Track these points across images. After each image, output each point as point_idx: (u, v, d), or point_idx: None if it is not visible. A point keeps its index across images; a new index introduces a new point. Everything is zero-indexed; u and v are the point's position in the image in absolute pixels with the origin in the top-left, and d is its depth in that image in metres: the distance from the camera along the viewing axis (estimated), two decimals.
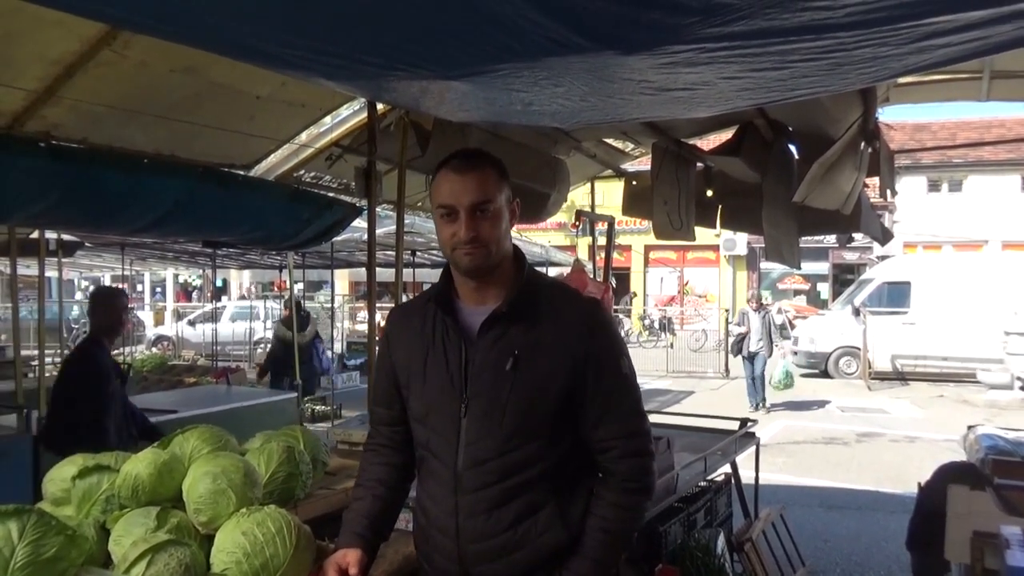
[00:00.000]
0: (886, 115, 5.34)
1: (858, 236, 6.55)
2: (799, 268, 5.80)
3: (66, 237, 8.42)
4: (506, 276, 1.81)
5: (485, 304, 1.79)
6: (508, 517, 1.72)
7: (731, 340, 12.20)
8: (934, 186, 24.55)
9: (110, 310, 4.35)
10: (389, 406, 1.92)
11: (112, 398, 4.14)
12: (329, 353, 12.32)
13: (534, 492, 1.73)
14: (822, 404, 12.28)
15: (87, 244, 9.56)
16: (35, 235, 6.82)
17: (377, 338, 5.35)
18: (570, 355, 1.73)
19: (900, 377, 15.62)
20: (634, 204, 5.87)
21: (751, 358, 11.72)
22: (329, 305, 17.47)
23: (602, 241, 6.88)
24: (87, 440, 3.26)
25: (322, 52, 1.99)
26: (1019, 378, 12.49)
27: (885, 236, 6.51)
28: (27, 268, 8.54)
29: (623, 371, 1.80)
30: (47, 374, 6.58)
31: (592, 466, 1.81)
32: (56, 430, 4.14)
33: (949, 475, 3.81)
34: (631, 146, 6.12)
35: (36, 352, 7.94)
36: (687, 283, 28.09)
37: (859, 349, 15.52)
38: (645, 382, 15.31)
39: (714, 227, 5.99)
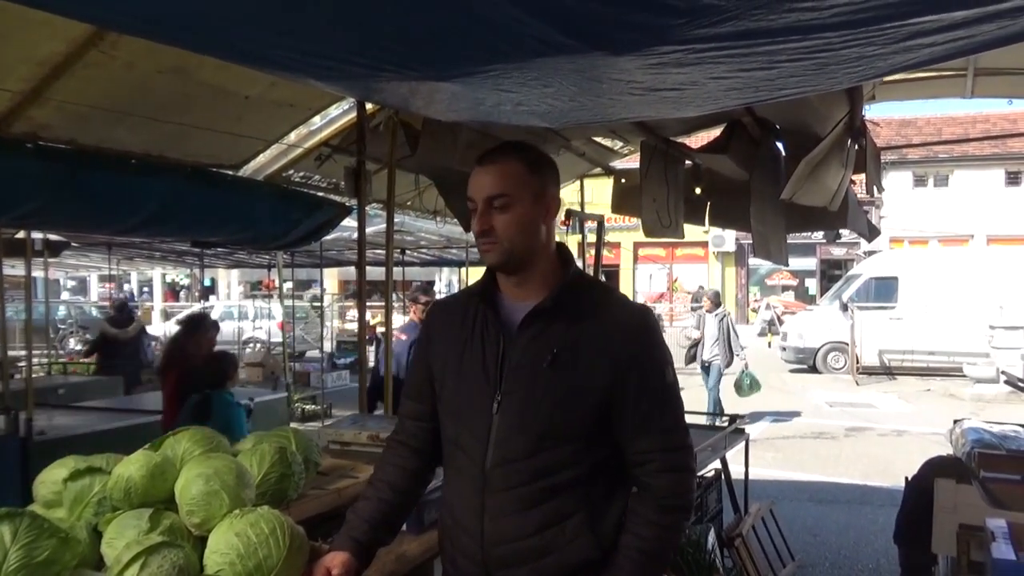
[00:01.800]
0: (872, 112, 5.39)
1: (845, 232, 6.60)
2: (787, 264, 5.83)
3: (52, 237, 8.38)
4: (549, 273, 1.74)
5: (528, 300, 1.72)
6: (534, 522, 1.64)
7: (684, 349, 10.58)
8: (920, 181, 24.74)
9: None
10: (419, 400, 1.87)
11: None
12: (155, 344, 12.13)
13: (563, 498, 1.65)
14: (791, 415, 11.44)
15: (73, 244, 9.51)
16: (21, 235, 6.78)
17: (368, 336, 5.37)
18: (612, 358, 1.65)
19: (887, 372, 15.74)
20: (623, 202, 5.89)
21: (706, 368, 10.14)
22: (319, 304, 17.43)
23: (592, 239, 6.90)
24: None
25: (311, 53, 1.99)
26: (1004, 372, 12.60)
27: (872, 232, 6.55)
28: (13, 268, 8.48)
29: (667, 380, 1.72)
30: (34, 375, 6.54)
31: (628, 479, 1.73)
32: None
33: (936, 469, 3.85)
34: (620, 144, 6.14)
35: (23, 353, 7.89)
36: (676, 280, 28.18)
37: (847, 344, 15.62)
38: None
39: (703, 224, 6.01)
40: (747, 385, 10.00)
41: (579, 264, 6.50)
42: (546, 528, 1.64)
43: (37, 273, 10.17)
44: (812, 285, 27.08)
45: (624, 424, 1.68)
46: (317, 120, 5.05)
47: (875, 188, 5.60)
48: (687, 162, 5.34)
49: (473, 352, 1.73)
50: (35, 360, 7.52)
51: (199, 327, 5.30)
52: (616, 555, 1.65)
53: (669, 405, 1.72)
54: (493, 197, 1.68)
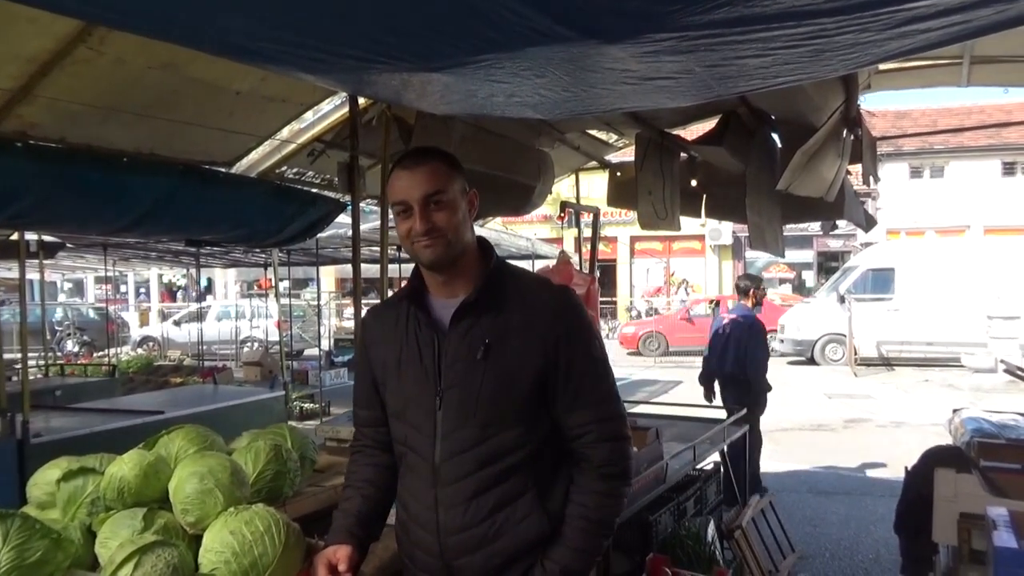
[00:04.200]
0: (868, 102, 5.36)
1: (842, 223, 6.57)
2: (783, 256, 5.82)
3: (47, 238, 8.34)
4: (473, 267, 1.81)
5: (455, 296, 1.79)
6: (486, 507, 1.71)
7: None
8: (916, 172, 24.73)
9: None
10: (370, 407, 1.92)
11: None
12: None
13: (512, 481, 1.72)
14: (790, 408, 11.52)
15: (69, 245, 9.47)
16: (15, 236, 6.74)
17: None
18: (540, 340, 1.72)
19: (885, 363, 15.76)
20: (619, 195, 5.87)
21: None
22: (315, 302, 17.40)
23: (588, 233, 6.88)
24: None
25: (301, 45, 1.97)
26: (1002, 361, 12.61)
27: (868, 223, 6.55)
28: (8, 270, 8.46)
29: (594, 354, 1.79)
30: (31, 377, 6.52)
31: (572, 453, 1.80)
32: None
33: (935, 459, 3.84)
34: (615, 137, 6.12)
35: (19, 355, 7.86)
36: (673, 273, 28.18)
37: (844, 336, 15.65)
38: (632, 372, 15.38)
39: (699, 217, 6.01)
40: None
41: (575, 259, 6.49)
42: (497, 511, 1.71)
43: (32, 275, 10.15)
44: (809, 277, 27.08)
45: (559, 401, 1.75)
46: (309, 115, 5.02)
47: (871, 178, 5.60)
48: (683, 154, 5.33)
49: (410, 354, 1.79)
50: (31, 362, 7.49)
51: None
52: (563, 525, 1.74)
53: (600, 379, 1.79)
54: (431, 195, 1.72)
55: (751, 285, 6.92)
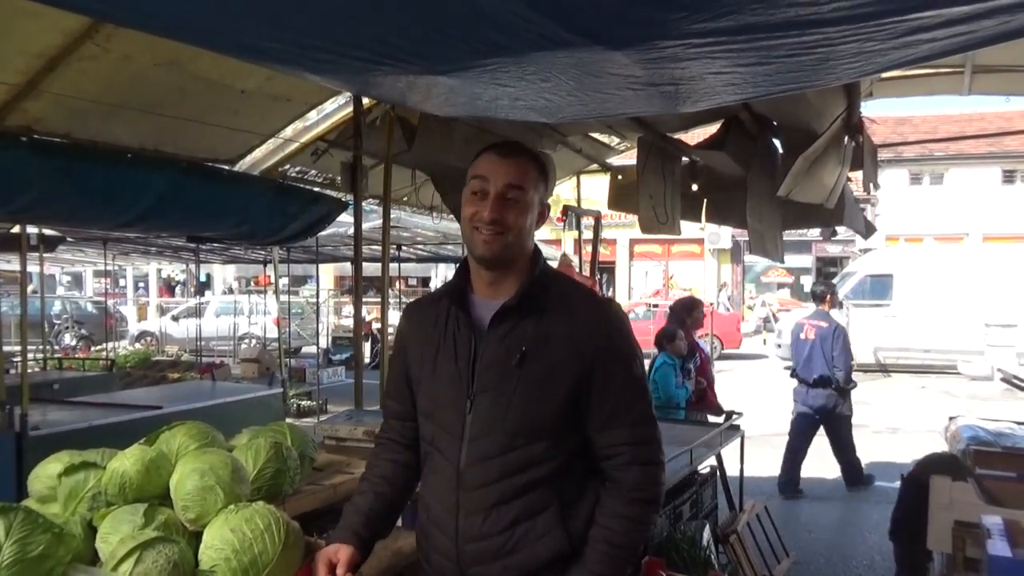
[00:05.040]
0: (869, 109, 5.38)
1: (841, 229, 6.60)
2: (783, 261, 5.84)
3: (48, 232, 8.33)
4: (522, 272, 1.75)
5: (498, 298, 1.72)
6: (506, 518, 1.66)
7: None
8: (916, 179, 24.76)
9: None
10: (401, 401, 1.88)
11: None
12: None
13: (535, 494, 1.66)
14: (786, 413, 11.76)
15: (69, 239, 9.47)
16: (16, 230, 6.74)
17: (364, 333, 5.37)
18: (579, 352, 1.66)
19: (883, 369, 15.76)
20: (620, 198, 5.89)
21: None
22: (314, 300, 17.40)
23: (588, 235, 6.90)
24: None
25: (308, 46, 1.98)
26: (999, 369, 12.64)
27: (868, 229, 6.56)
28: (8, 263, 8.46)
29: (635, 372, 1.72)
30: (29, 370, 6.52)
31: (599, 473, 1.73)
32: None
33: (931, 466, 3.86)
34: (617, 140, 6.13)
35: (19, 348, 7.86)
36: (672, 277, 28.19)
37: None
38: None
39: (699, 221, 6.02)
40: None
41: (575, 260, 6.48)
42: (517, 524, 1.66)
43: (33, 268, 10.14)
44: (807, 282, 27.06)
45: (592, 418, 1.69)
46: (313, 115, 5.03)
47: (871, 185, 5.61)
48: (684, 159, 5.34)
49: (446, 352, 1.74)
50: (30, 355, 7.49)
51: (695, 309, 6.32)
52: (585, 547, 1.67)
53: (637, 399, 1.72)
54: (511, 186, 1.68)
55: (827, 290, 7.17)
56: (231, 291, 26.53)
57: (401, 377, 1.86)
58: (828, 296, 7.09)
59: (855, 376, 7.22)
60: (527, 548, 1.66)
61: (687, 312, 6.27)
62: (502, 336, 1.69)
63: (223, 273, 30.87)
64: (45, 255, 9.55)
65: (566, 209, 6.86)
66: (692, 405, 5.91)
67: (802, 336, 6.96)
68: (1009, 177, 23.96)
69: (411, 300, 2.19)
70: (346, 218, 5.86)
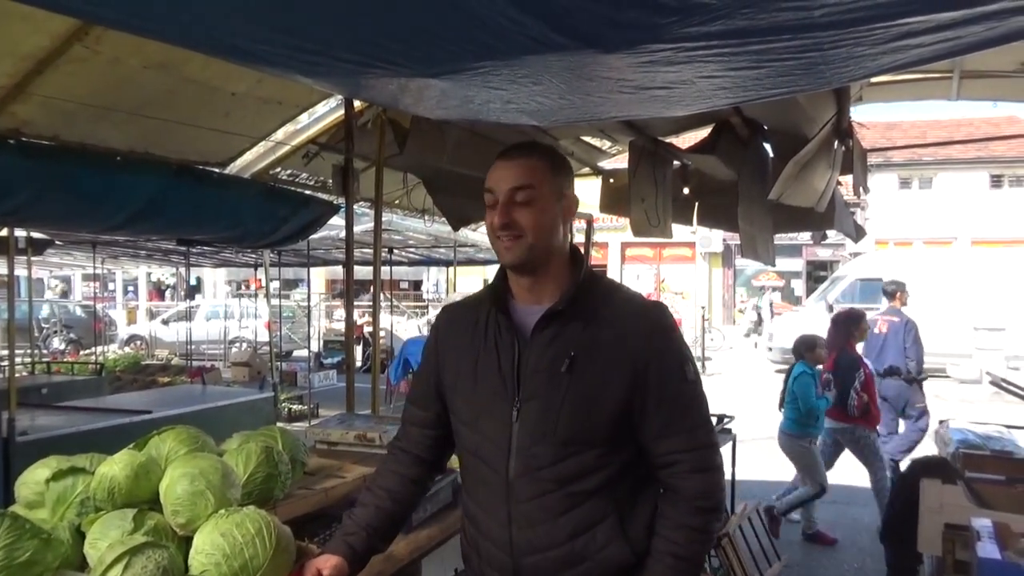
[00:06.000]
0: (858, 114, 5.42)
1: (831, 233, 6.65)
2: (774, 265, 5.85)
3: (36, 235, 8.29)
4: (562, 274, 1.70)
5: (541, 303, 1.67)
6: (565, 530, 1.60)
7: None
8: (905, 183, 24.94)
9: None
10: (425, 407, 1.84)
11: None
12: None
13: (591, 504, 1.61)
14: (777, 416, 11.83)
15: (57, 242, 9.42)
16: (4, 233, 6.70)
17: (355, 336, 5.35)
18: (630, 358, 1.60)
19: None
20: (611, 201, 5.89)
21: None
22: (305, 303, 17.35)
23: (580, 239, 6.91)
24: None
25: (299, 49, 1.97)
26: (988, 373, 12.70)
27: (858, 233, 6.60)
28: None
29: (689, 377, 1.66)
30: (17, 374, 6.47)
31: (654, 479, 1.68)
32: None
33: (921, 469, 3.87)
34: (608, 144, 6.14)
35: (6, 352, 7.81)
36: (663, 280, 28.25)
37: None
38: None
39: (691, 224, 6.03)
40: None
41: None
42: (577, 536, 1.61)
43: (20, 272, 10.07)
44: (798, 286, 27.22)
45: (647, 426, 1.63)
46: (304, 118, 5.02)
47: (861, 189, 5.64)
48: (675, 162, 5.36)
49: (488, 358, 1.69)
50: (18, 359, 7.44)
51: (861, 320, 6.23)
52: (649, 560, 1.62)
53: (692, 403, 1.66)
54: (518, 188, 1.64)
55: (897, 288, 7.50)
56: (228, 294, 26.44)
57: (430, 384, 1.82)
58: (898, 293, 7.44)
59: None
60: (592, 560, 1.61)
61: (854, 324, 6.08)
62: (547, 341, 1.64)
63: (214, 277, 30.75)
64: (33, 258, 9.48)
65: None
66: (855, 421, 5.89)
67: (876, 331, 7.19)
68: (997, 182, 24.15)
69: (447, 303, 2.07)
70: (337, 221, 5.85)
